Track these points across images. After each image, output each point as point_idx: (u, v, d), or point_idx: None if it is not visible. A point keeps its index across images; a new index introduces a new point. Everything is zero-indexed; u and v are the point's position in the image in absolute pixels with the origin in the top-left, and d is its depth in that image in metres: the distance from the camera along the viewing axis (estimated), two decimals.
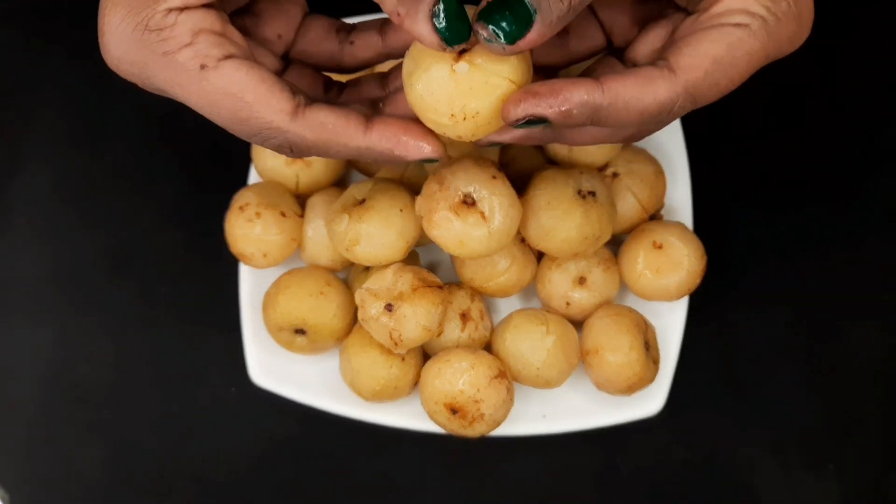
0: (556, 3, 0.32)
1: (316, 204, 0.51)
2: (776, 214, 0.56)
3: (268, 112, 0.34)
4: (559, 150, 0.51)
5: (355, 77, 0.41)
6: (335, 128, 0.35)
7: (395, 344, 0.46)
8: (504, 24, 0.32)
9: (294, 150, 0.35)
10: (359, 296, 0.47)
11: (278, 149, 0.35)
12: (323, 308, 0.49)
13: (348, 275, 0.52)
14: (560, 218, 0.47)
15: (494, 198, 0.44)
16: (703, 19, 0.35)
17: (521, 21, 0.32)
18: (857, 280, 0.55)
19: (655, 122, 0.35)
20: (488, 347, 0.50)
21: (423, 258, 0.53)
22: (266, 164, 0.52)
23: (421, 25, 0.32)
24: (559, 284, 0.50)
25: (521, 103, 0.33)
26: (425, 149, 0.35)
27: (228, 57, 0.33)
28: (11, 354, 0.55)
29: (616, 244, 0.52)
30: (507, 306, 0.53)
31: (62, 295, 0.56)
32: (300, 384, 0.52)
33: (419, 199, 0.46)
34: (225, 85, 0.33)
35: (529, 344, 0.48)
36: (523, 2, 0.32)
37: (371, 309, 0.46)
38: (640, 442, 0.53)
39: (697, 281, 0.50)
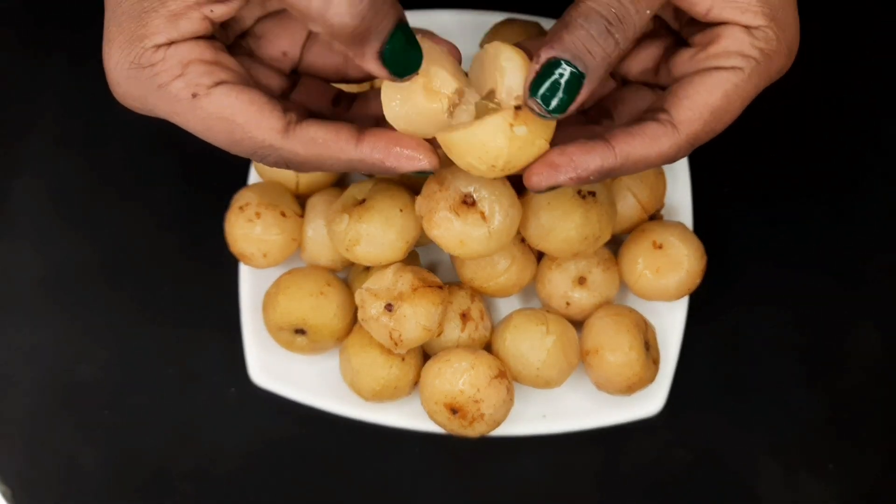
0: (600, 57, 0.34)
1: (316, 204, 0.51)
2: (776, 214, 0.56)
3: (259, 132, 0.35)
4: None
5: (364, 91, 0.42)
6: (326, 142, 0.36)
7: (395, 344, 0.46)
8: (557, 99, 0.34)
9: (290, 165, 0.36)
10: (359, 296, 0.47)
11: (276, 164, 0.37)
12: (323, 308, 0.49)
13: (348, 275, 0.52)
14: (560, 218, 0.47)
15: (494, 198, 0.44)
16: (699, 59, 0.37)
17: (572, 89, 0.34)
18: (857, 280, 0.55)
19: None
20: (488, 347, 0.50)
21: (423, 258, 0.53)
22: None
23: (370, 65, 0.34)
24: (559, 284, 0.50)
25: (543, 174, 0.36)
26: (420, 161, 0.36)
27: (219, 83, 0.35)
28: (12, 355, 0.55)
29: (616, 244, 0.52)
30: (507, 306, 0.53)
31: (62, 295, 0.56)
32: (300, 384, 0.52)
33: (419, 199, 0.46)
34: (216, 110, 0.35)
35: (529, 344, 0.48)
36: (574, 70, 0.34)
37: (371, 309, 0.46)
38: (640, 442, 0.53)
39: (697, 281, 0.50)
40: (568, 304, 0.50)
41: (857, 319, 0.55)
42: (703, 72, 0.36)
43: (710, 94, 0.36)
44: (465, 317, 0.49)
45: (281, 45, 0.39)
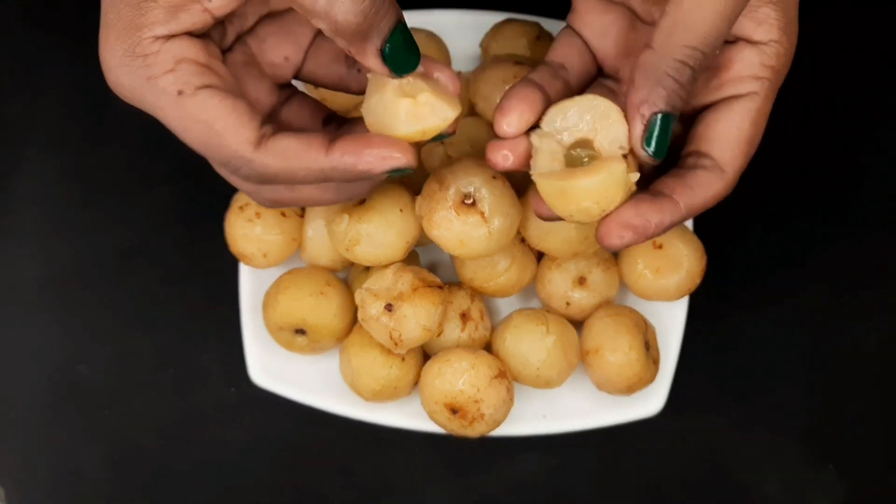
0: (683, 95, 0.35)
1: None
2: (776, 214, 0.56)
3: (234, 141, 0.35)
4: None
5: (359, 116, 0.41)
6: (296, 152, 0.35)
7: (395, 344, 0.46)
8: (663, 143, 0.36)
9: (263, 179, 0.36)
10: (359, 296, 0.47)
11: (248, 179, 0.36)
12: (323, 308, 0.49)
13: (348, 275, 0.52)
14: None
15: (494, 198, 0.44)
16: (713, 87, 0.38)
17: (668, 130, 0.36)
18: (857, 280, 0.55)
19: None
20: (488, 347, 0.50)
21: (423, 258, 0.53)
22: None
23: (371, 62, 0.34)
24: (559, 284, 0.50)
25: (620, 235, 0.36)
26: (396, 157, 0.35)
27: (206, 86, 0.35)
28: (12, 354, 0.55)
29: None
30: (507, 306, 0.53)
31: (63, 295, 0.56)
32: (300, 384, 0.51)
33: (419, 199, 0.46)
34: (197, 112, 0.35)
35: (529, 344, 0.48)
36: (669, 117, 0.35)
37: (371, 309, 0.46)
38: (640, 442, 0.53)
39: (697, 281, 0.50)
40: (568, 304, 0.50)
41: (857, 319, 0.55)
42: (723, 104, 0.38)
43: (741, 127, 0.38)
44: (465, 317, 0.49)
45: (284, 49, 0.39)
